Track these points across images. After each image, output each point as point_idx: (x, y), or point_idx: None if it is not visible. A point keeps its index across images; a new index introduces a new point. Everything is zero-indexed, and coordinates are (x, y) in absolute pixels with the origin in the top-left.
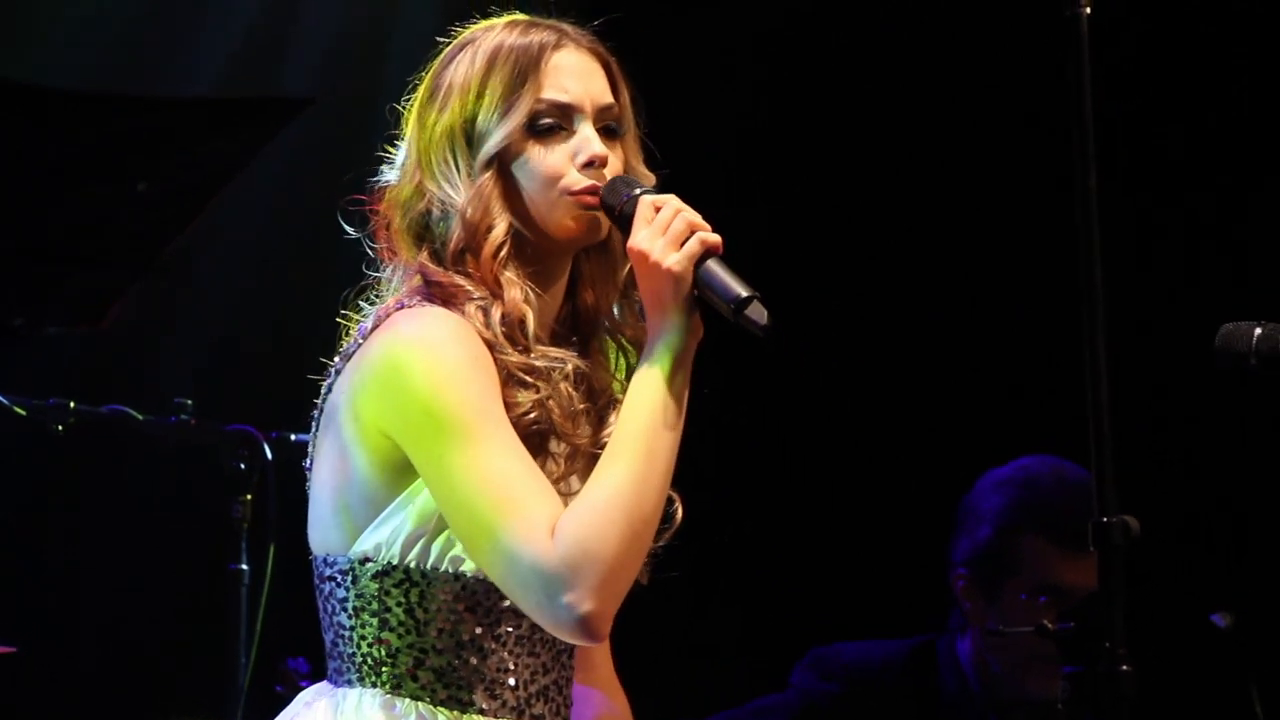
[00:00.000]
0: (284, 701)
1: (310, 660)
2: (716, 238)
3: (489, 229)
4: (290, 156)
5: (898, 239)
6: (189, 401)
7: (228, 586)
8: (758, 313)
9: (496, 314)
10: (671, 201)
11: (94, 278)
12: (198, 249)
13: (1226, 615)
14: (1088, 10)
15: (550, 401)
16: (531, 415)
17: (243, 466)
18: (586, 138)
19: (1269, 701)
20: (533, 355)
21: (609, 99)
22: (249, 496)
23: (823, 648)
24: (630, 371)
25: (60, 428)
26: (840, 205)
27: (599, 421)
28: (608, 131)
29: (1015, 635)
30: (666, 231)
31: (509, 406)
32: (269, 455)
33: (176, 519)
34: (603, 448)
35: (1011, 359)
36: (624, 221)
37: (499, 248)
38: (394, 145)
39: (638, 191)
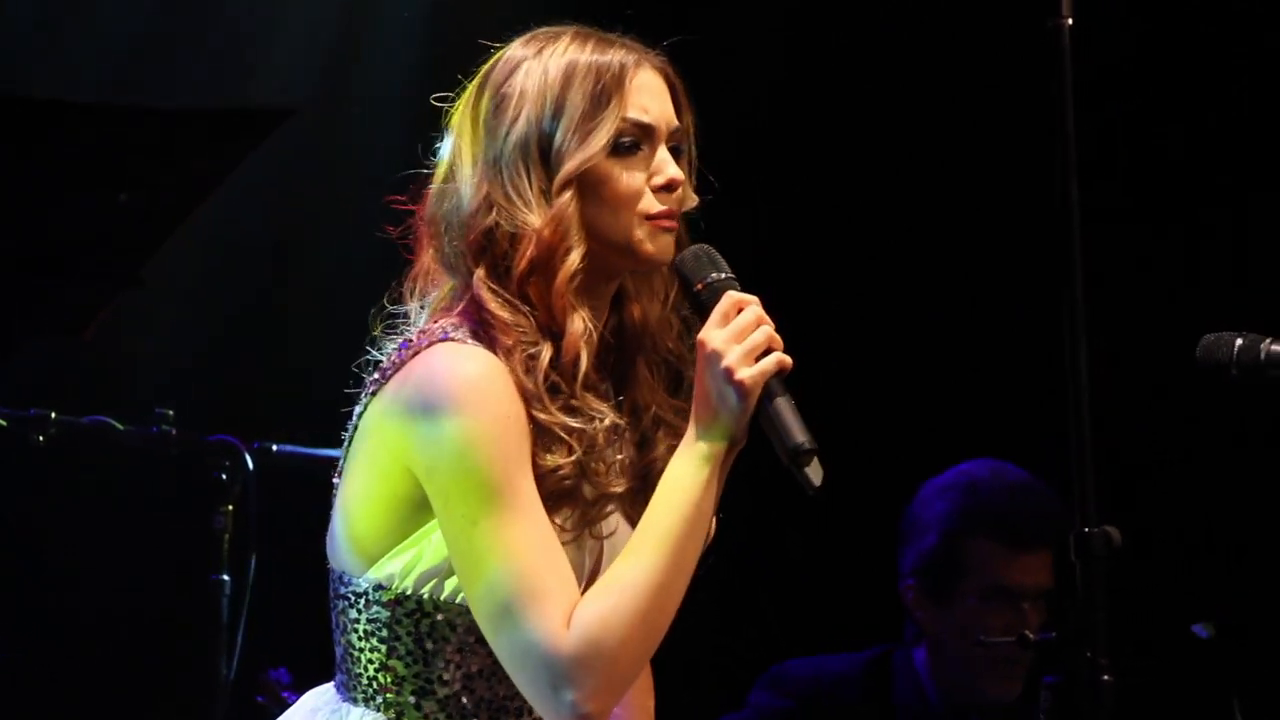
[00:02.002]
0: (265, 712)
1: (291, 671)
2: (789, 359)
3: (566, 252)
4: (269, 165)
5: (883, 245)
6: (170, 412)
7: (209, 597)
8: (814, 470)
9: (545, 358)
10: (754, 306)
11: (76, 289)
12: (179, 259)
13: (1208, 625)
14: (1069, 22)
15: (585, 458)
16: (562, 473)
17: (224, 477)
18: (664, 160)
19: (1250, 712)
20: (573, 403)
21: (678, 121)
22: (230, 507)
23: (778, 665)
24: (675, 387)
25: (41, 438)
26: (822, 209)
27: (640, 445)
28: (674, 153)
29: (965, 641)
30: (744, 340)
31: (540, 465)
32: (250, 466)
33: (157, 530)
34: (644, 480)
35: (994, 368)
36: (696, 301)
37: (574, 274)
38: (430, 157)
39: (721, 277)
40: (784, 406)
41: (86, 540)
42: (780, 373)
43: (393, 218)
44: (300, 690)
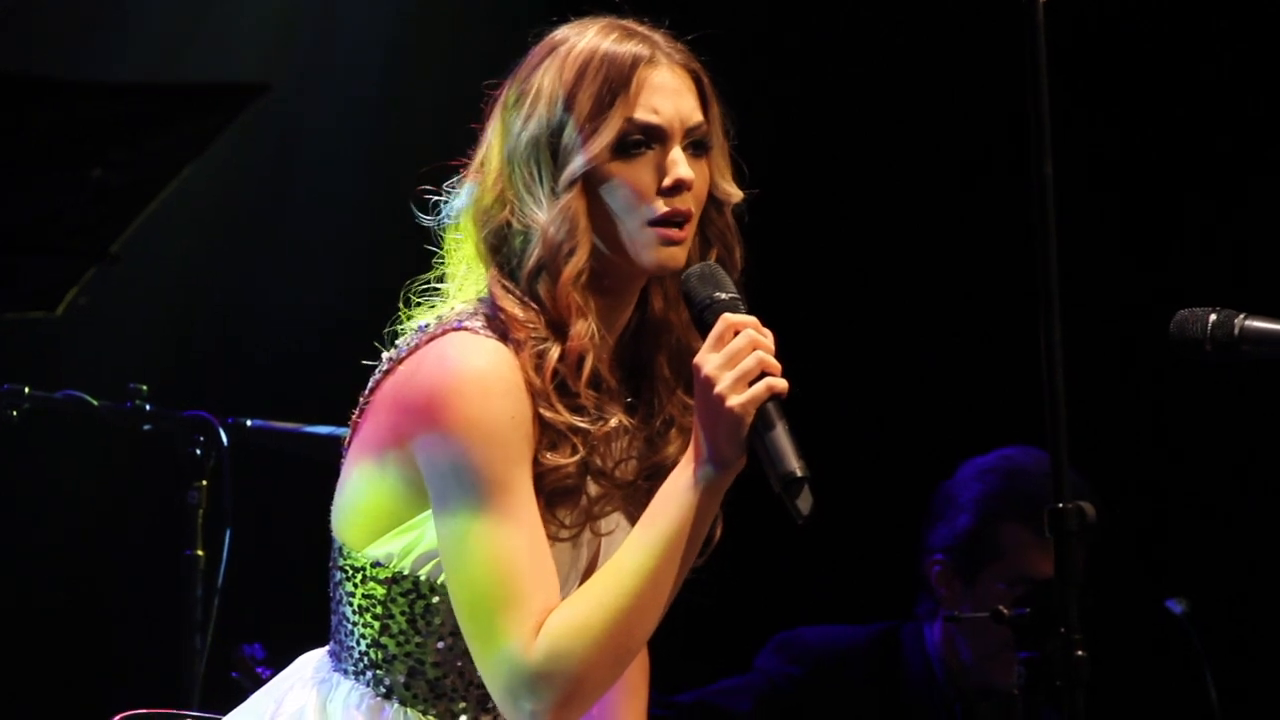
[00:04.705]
0: (240, 687)
1: (266, 646)
2: (784, 383)
3: (571, 251)
4: (242, 142)
5: (863, 233)
6: (144, 387)
7: (183, 572)
8: (804, 500)
9: (554, 355)
10: (748, 330)
11: (48, 265)
12: (152, 234)
13: (1181, 601)
14: None
15: (591, 458)
16: (565, 471)
17: (198, 452)
18: (673, 161)
19: (1223, 687)
20: (579, 402)
21: (698, 117)
22: (204, 482)
23: (788, 632)
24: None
25: (15, 414)
26: (808, 198)
27: (650, 443)
28: (695, 148)
29: (984, 624)
30: (736, 365)
31: (543, 463)
32: (225, 441)
33: (132, 505)
34: (650, 479)
35: (975, 347)
36: (699, 320)
37: (579, 273)
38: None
39: (721, 299)
40: (777, 433)
41: (60, 515)
42: (775, 397)
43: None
44: (274, 665)
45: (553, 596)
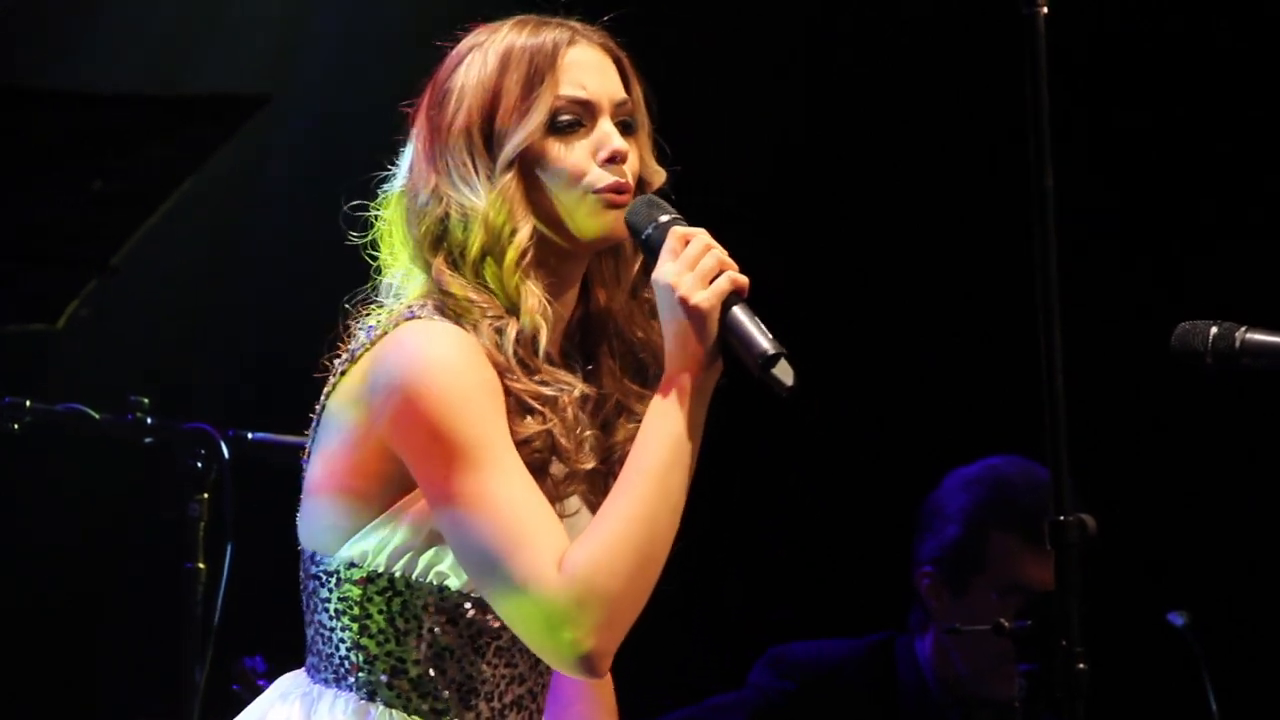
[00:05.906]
0: (240, 700)
1: (267, 659)
2: (744, 278)
3: (513, 233)
4: (241, 154)
5: (859, 237)
6: (145, 400)
7: (184, 585)
8: (784, 372)
9: (511, 333)
10: (700, 236)
11: (49, 277)
12: (152, 246)
13: (1183, 614)
14: (1044, 10)
15: (556, 429)
16: (535, 444)
17: (199, 465)
18: (607, 133)
19: (1224, 700)
20: (541, 377)
21: (623, 94)
22: (205, 495)
23: (780, 646)
24: (639, 374)
25: (16, 426)
26: (810, 199)
27: (603, 429)
28: (623, 127)
29: (979, 636)
30: (695, 267)
31: (516, 434)
32: (226, 454)
33: (133, 518)
34: (605, 463)
35: (972, 358)
36: (648, 248)
37: (523, 253)
38: (395, 153)
39: (665, 219)
40: (744, 320)
41: (61, 528)
42: (737, 292)
43: (362, 220)
44: (275, 678)
45: (562, 536)
